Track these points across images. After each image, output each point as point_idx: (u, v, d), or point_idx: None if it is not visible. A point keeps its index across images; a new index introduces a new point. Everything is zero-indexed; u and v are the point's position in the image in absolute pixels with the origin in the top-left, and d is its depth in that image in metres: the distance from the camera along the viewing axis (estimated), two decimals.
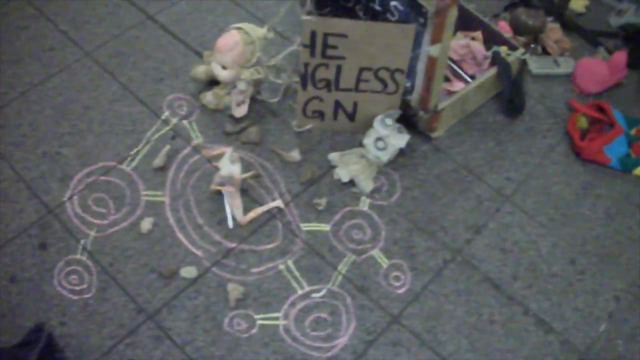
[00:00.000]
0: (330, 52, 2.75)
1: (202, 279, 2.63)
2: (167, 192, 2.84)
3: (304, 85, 2.87)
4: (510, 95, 3.12)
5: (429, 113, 2.91)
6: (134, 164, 2.90)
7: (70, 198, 2.80)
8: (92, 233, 2.71)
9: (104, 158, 2.91)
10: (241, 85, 2.96)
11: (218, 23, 3.36)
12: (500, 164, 3.01)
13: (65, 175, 2.86)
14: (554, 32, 3.36)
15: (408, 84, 2.87)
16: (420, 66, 2.78)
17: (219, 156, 2.78)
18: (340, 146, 2.99)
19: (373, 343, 2.51)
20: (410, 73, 2.82)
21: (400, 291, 2.64)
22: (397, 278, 2.68)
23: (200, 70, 3.12)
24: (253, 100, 3.08)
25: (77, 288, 2.58)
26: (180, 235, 2.73)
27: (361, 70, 2.80)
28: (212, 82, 3.08)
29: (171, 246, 2.70)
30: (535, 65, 3.29)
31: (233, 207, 2.76)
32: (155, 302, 2.56)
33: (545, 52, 3.38)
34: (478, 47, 3.13)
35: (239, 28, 2.92)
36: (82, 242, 2.69)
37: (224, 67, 2.94)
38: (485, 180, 2.95)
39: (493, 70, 3.08)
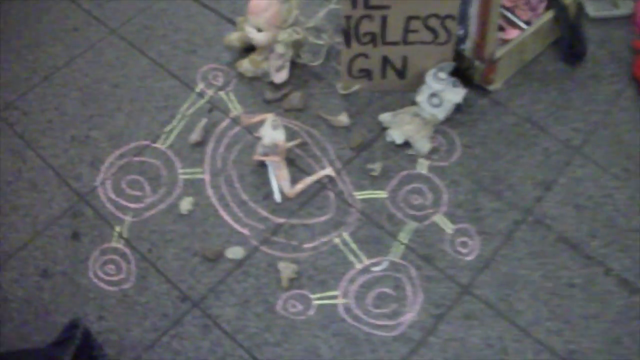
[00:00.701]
0: (373, 1, 2.42)
1: (250, 259, 2.34)
2: (206, 169, 2.55)
3: (347, 42, 2.55)
4: (569, 40, 2.78)
5: (485, 63, 2.58)
6: (169, 141, 2.62)
7: (102, 183, 2.53)
8: (128, 218, 2.44)
9: (137, 138, 2.64)
10: (279, 49, 2.65)
11: None
12: (565, 115, 2.67)
13: (95, 159, 2.59)
14: None
15: (461, 32, 2.54)
16: (473, 10, 2.45)
17: (260, 124, 2.48)
18: (391, 106, 2.67)
19: (443, 317, 2.21)
20: (463, 19, 2.49)
21: (469, 258, 2.33)
22: (464, 244, 2.36)
23: (234, 38, 2.82)
24: (293, 64, 2.78)
25: (115, 278, 2.32)
26: (223, 214, 2.44)
27: (409, 19, 2.47)
28: (248, 49, 2.79)
29: (214, 226, 2.42)
30: (592, 7, 2.93)
31: (279, 179, 2.46)
32: (200, 288, 2.28)
33: None
34: None
35: None
36: (118, 228, 2.42)
37: (259, 30, 2.64)
38: (550, 133, 2.62)
39: (549, 15, 2.74)
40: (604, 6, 2.95)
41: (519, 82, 2.76)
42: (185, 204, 2.45)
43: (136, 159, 2.58)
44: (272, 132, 2.37)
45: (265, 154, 2.44)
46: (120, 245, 2.38)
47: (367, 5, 2.43)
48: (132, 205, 2.47)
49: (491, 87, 2.69)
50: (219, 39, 2.90)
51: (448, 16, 2.45)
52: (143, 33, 2.97)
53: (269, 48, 2.69)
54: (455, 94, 2.57)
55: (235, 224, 2.42)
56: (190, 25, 2.99)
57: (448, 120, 2.63)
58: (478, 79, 2.67)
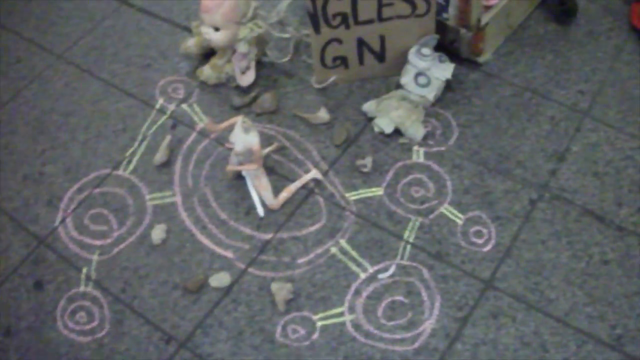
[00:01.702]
0: None
1: (238, 285, 1.99)
2: (177, 191, 2.20)
3: (316, 28, 2.21)
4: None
5: (471, 30, 2.24)
6: (131, 166, 2.27)
7: (62, 221, 2.17)
8: (95, 257, 2.08)
9: (96, 167, 2.29)
10: (242, 48, 2.31)
11: None
12: (566, 78, 2.35)
13: (53, 196, 2.24)
14: None
15: None
16: None
17: (229, 130, 2.13)
18: (374, 94, 2.33)
19: (468, 319, 1.87)
20: None
21: (487, 249, 1.99)
22: (478, 234, 2.02)
23: (190, 44, 2.48)
24: (259, 64, 2.44)
25: (87, 327, 1.96)
26: (201, 238, 2.09)
27: None
28: (208, 55, 2.45)
29: (193, 253, 2.06)
30: None
31: (260, 190, 2.11)
32: (185, 326, 1.93)
33: None
34: None
35: None
36: (85, 270, 2.06)
37: (216, 29, 2.29)
38: (554, 99, 2.29)
39: None
40: None
41: (510, 49, 2.44)
42: (158, 233, 2.10)
43: (97, 190, 2.23)
44: (245, 136, 2.01)
45: (240, 163, 2.08)
46: (89, 289, 2.02)
47: None
48: (98, 242, 2.11)
49: (481, 59, 2.36)
50: (175, 49, 2.56)
51: None
52: (91, 54, 2.62)
53: (230, 49, 2.35)
54: (443, 70, 2.23)
55: (216, 247, 2.07)
56: (142, 39, 2.64)
57: (439, 101, 2.29)
58: (465, 51, 2.34)
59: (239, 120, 2.04)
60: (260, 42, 2.39)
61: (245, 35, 2.29)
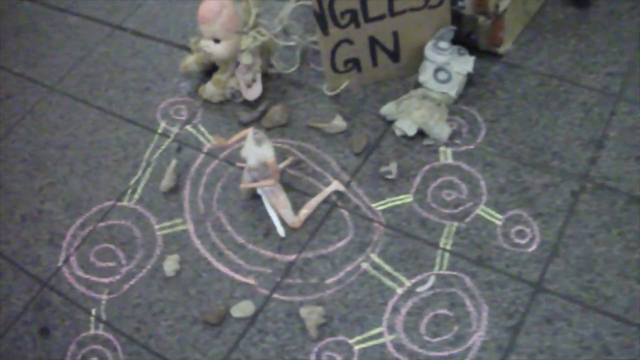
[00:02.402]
0: None
1: (263, 313, 1.79)
2: (187, 218, 2.01)
3: (323, 29, 2.03)
4: None
5: (491, 17, 2.06)
6: (136, 195, 2.08)
7: (66, 261, 1.98)
8: (104, 296, 1.89)
9: (98, 200, 2.10)
10: (245, 59, 2.13)
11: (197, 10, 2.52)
12: (593, 61, 2.16)
13: (54, 235, 2.05)
14: None
15: None
16: None
17: (239, 144, 1.94)
18: (391, 97, 2.14)
19: (520, 327, 1.67)
20: None
21: (531, 249, 1.79)
22: (521, 233, 1.82)
23: (190, 61, 2.30)
24: (266, 76, 2.26)
25: None
26: (219, 266, 1.89)
27: None
28: (210, 71, 2.28)
29: (211, 283, 1.87)
30: None
31: (279, 208, 1.92)
32: None
33: None
34: None
35: None
36: (94, 311, 1.86)
37: (216, 41, 2.12)
38: (583, 84, 2.10)
39: None
40: None
41: (530, 38, 2.25)
42: (170, 264, 1.90)
43: (102, 224, 2.04)
44: (257, 149, 1.82)
45: (255, 180, 1.90)
46: (100, 331, 1.82)
47: None
48: (107, 280, 1.92)
49: (501, 50, 2.17)
50: (174, 70, 2.38)
51: None
52: (85, 83, 2.45)
53: (233, 62, 2.17)
54: (464, 63, 2.05)
55: (235, 274, 1.87)
56: (138, 62, 2.47)
57: (462, 98, 2.10)
58: (484, 43, 2.15)
59: (249, 132, 1.85)
60: (265, 52, 2.21)
61: (248, 45, 2.11)
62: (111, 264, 1.95)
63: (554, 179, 1.91)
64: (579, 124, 2.02)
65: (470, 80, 2.12)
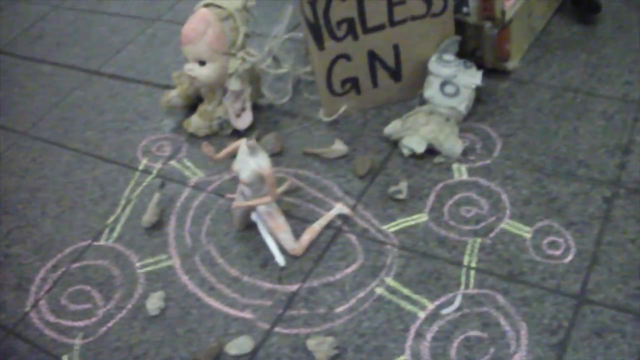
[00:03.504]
0: None
1: (264, 349, 1.51)
2: (173, 253, 1.75)
3: (318, 42, 1.84)
4: None
5: (497, 23, 1.89)
6: (115, 234, 1.83)
7: (34, 305, 1.70)
8: (78, 341, 1.60)
9: (72, 241, 1.85)
10: (233, 85, 1.93)
11: (179, 50, 2.30)
12: (607, 72, 2.00)
13: (22, 279, 1.77)
14: None
15: None
16: None
17: (233, 154, 1.70)
18: (394, 119, 1.93)
19: (567, 344, 1.41)
20: None
21: (568, 259, 1.56)
22: (554, 245, 1.58)
23: (172, 95, 2.11)
24: (257, 108, 2.05)
25: None
26: (210, 301, 1.62)
27: None
28: (194, 107, 2.08)
29: (201, 320, 1.59)
30: None
31: (277, 233, 1.67)
32: None
33: None
34: None
35: (207, 5, 1.93)
36: (65, 358, 1.57)
37: (202, 64, 1.93)
38: (600, 94, 1.93)
39: None
40: None
41: (538, 55, 2.09)
42: (154, 302, 1.63)
43: (75, 265, 1.77)
44: (251, 160, 1.59)
45: (249, 198, 1.65)
46: None
47: None
48: (81, 324, 1.63)
49: (509, 65, 2.00)
50: (155, 109, 2.19)
51: None
52: (60, 126, 2.23)
53: (220, 88, 1.97)
54: (472, 76, 1.87)
55: (229, 309, 1.60)
56: (117, 104, 2.27)
57: (471, 115, 1.91)
58: (491, 58, 1.98)
59: (242, 142, 1.62)
60: (254, 79, 2.01)
61: (236, 68, 1.92)
62: (86, 306, 1.67)
63: (582, 187, 1.69)
64: (602, 131, 1.82)
65: (478, 99, 1.93)
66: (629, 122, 1.84)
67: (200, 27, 1.89)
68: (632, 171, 1.71)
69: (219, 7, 1.92)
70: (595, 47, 2.09)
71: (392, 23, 1.85)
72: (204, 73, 1.93)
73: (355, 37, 1.86)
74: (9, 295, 1.74)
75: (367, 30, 1.85)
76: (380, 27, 1.86)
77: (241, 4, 1.93)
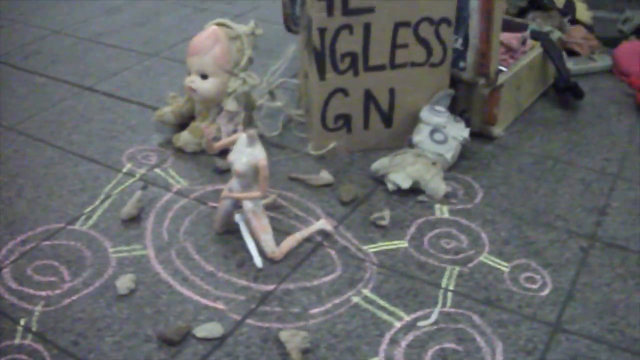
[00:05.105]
0: (354, 2, 1.81)
1: (233, 337, 1.44)
2: (148, 244, 1.69)
3: (321, 72, 1.89)
4: (566, 75, 2.29)
5: (490, 81, 1.97)
6: (91, 222, 1.77)
7: None
8: (38, 308, 1.51)
9: (45, 221, 1.78)
10: (230, 105, 1.95)
11: (176, 81, 2.38)
12: (587, 149, 2.10)
13: None
14: (577, 30, 2.59)
15: (459, 43, 1.95)
16: (473, 3, 1.90)
17: (232, 145, 1.68)
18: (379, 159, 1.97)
19: None
20: (460, 25, 1.92)
21: (544, 293, 1.56)
22: (531, 279, 1.60)
23: (165, 110, 2.11)
24: None
25: None
26: (182, 289, 1.56)
27: (397, 27, 1.86)
28: (185, 125, 2.08)
29: (171, 304, 1.52)
30: (572, 62, 2.47)
31: (259, 233, 1.64)
32: None
33: (572, 54, 2.58)
34: (507, 35, 2.27)
35: (219, 24, 1.98)
36: (23, 321, 1.47)
37: (204, 77, 1.95)
38: (580, 165, 2.02)
39: (538, 47, 2.29)
40: (583, 61, 2.52)
41: (521, 128, 2.19)
42: (124, 282, 1.56)
43: (47, 242, 1.70)
44: (248, 150, 1.58)
45: (237, 191, 1.63)
46: (27, 341, 1.42)
47: (346, 11, 1.82)
48: (43, 293, 1.54)
49: (495, 131, 2.08)
50: (145, 125, 2.18)
51: (443, 20, 1.88)
52: (47, 127, 2.19)
53: (215, 106, 1.99)
54: (460, 130, 1.93)
55: (201, 298, 1.54)
56: (106, 116, 2.25)
57: (455, 168, 1.95)
58: (478, 122, 2.05)
59: (241, 135, 1.62)
60: (249, 106, 2.04)
61: (235, 89, 1.95)
62: (52, 279, 1.59)
63: (560, 236, 1.73)
64: (580, 195, 1.90)
65: (462, 155, 1.98)
66: (606, 190, 1.91)
67: (209, 42, 1.94)
68: (607, 229, 1.77)
69: (229, 27, 1.98)
70: (576, 128, 2.20)
71: (393, 65, 1.93)
72: (205, 87, 1.96)
73: (356, 73, 1.92)
74: None
75: (368, 68, 1.92)
76: (380, 67, 1.93)
77: (250, 29, 1.99)
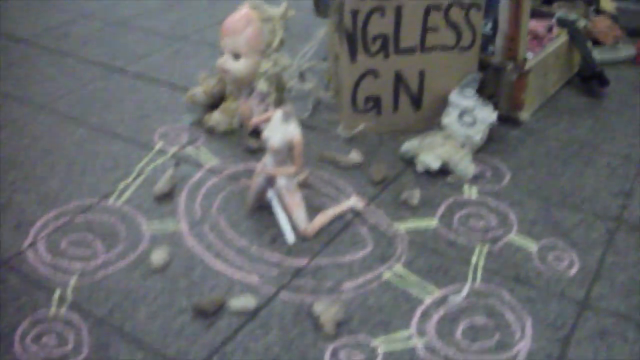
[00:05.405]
0: None
1: (267, 309, 1.46)
2: (181, 220, 1.71)
3: (352, 53, 1.91)
4: (591, 62, 2.29)
5: (518, 65, 1.98)
6: (124, 197, 1.79)
7: (32, 245, 1.63)
8: (73, 280, 1.53)
9: (79, 196, 1.80)
10: (261, 85, 1.97)
11: (205, 63, 2.39)
12: (612, 135, 2.10)
13: (21, 222, 1.71)
14: (602, 20, 2.58)
15: (488, 27, 1.96)
16: None
17: (267, 122, 1.69)
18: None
19: (570, 339, 1.40)
20: (489, 10, 1.93)
21: (572, 272, 1.57)
22: (558, 258, 1.60)
23: (197, 90, 2.13)
24: None
25: (58, 351, 1.36)
26: (216, 263, 1.58)
27: (427, 11, 1.87)
28: (216, 105, 2.10)
29: (205, 278, 1.54)
30: (597, 51, 2.45)
31: (293, 209, 1.66)
32: (196, 351, 1.37)
33: (597, 43, 2.56)
34: (534, 23, 2.26)
35: (252, 6, 2.00)
36: (58, 292, 1.50)
37: (236, 57, 1.97)
38: (605, 151, 2.02)
39: (563, 37, 2.27)
40: (608, 50, 2.51)
41: (547, 113, 2.19)
42: (159, 255, 1.58)
43: (81, 217, 1.72)
44: (284, 127, 1.59)
45: (272, 168, 1.64)
46: (62, 310, 1.45)
47: None
48: (78, 265, 1.57)
49: (522, 116, 2.08)
50: (176, 105, 2.20)
51: (473, 4, 1.88)
52: (78, 107, 2.22)
53: (246, 87, 2.01)
54: (489, 113, 1.93)
55: (236, 271, 1.56)
56: (137, 96, 2.28)
57: (482, 150, 1.96)
58: (505, 105, 2.05)
59: (277, 112, 1.63)
60: (280, 87, 2.05)
61: (266, 70, 1.97)
62: (86, 252, 1.61)
63: (586, 218, 1.73)
64: (606, 179, 1.90)
65: (490, 138, 1.98)
66: (631, 175, 1.91)
67: (242, 23, 1.95)
68: (633, 212, 1.77)
69: (261, 9, 1.99)
70: (601, 116, 2.19)
71: (423, 48, 1.93)
72: (237, 67, 1.97)
73: (387, 55, 1.93)
74: (6, 235, 1.67)
75: (398, 51, 1.93)
76: (411, 50, 1.93)
77: (282, 11, 2.01)
